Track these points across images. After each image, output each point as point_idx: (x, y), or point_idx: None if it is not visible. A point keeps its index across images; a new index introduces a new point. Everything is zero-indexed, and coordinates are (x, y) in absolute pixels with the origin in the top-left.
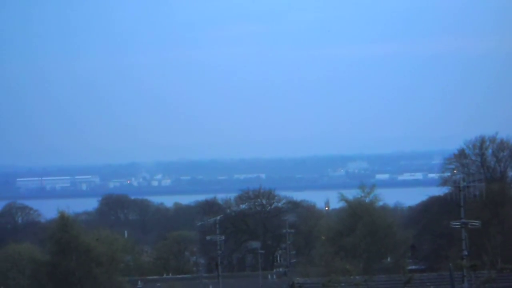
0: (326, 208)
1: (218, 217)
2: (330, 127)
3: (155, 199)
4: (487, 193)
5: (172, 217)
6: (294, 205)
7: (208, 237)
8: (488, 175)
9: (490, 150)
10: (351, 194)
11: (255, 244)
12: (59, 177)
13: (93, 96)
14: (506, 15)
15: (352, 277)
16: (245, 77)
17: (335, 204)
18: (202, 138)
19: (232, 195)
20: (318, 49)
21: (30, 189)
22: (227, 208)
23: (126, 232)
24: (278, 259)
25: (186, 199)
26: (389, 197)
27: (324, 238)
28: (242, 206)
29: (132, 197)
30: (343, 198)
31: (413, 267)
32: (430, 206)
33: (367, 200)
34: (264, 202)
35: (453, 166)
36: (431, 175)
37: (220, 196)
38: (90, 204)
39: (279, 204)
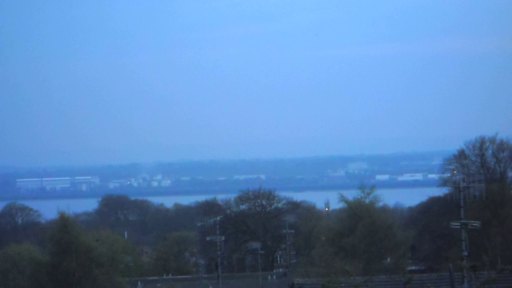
0: (326, 209)
1: (218, 218)
2: (330, 127)
3: (155, 200)
4: (487, 194)
5: (172, 218)
6: (294, 206)
7: (208, 238)
8: (488, 175)
9: (490, 151)
10: (351, 194)
11: (255, 244)
12: (59, 178)
13: (93, 97)
14: (506, 15)
15: (352, 277)
16: (245, 78)
17: (335, 204)
18: (202, 139)
19: (232, 196)
20: (318, 49)
21: (30, 190)
22: (227, 208)
23: (126, 232)
24: (278, 259)
25: (186, 200)
26: (389, 198)
27: (324, 238)
28: (242, 207)
29: (132, 198)
30: (343, 199)
31: (413, 267)
32: (430, 207)
33: (367, 200)
34: (264, 202)
35: (453, 167)
36: (431, 176)
37: (220, 197)
38: (90, 205)
39: (279, 205)
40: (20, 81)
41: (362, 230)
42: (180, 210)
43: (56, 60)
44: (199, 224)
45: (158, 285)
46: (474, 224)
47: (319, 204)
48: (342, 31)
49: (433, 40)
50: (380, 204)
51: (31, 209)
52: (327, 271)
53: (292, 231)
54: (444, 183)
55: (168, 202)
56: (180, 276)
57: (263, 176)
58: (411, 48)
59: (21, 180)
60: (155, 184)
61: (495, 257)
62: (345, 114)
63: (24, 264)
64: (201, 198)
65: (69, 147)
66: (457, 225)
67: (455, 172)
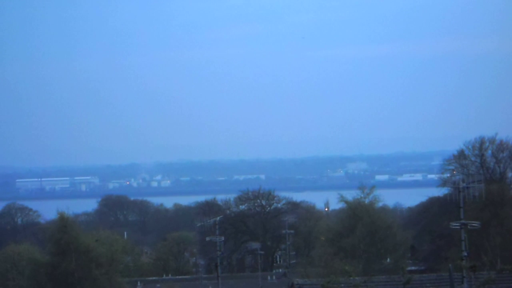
0: (326, 209)
1: (218, 218)
2: (329, 128)
3: (155, 200)
4: (487, 194)
5: (171, 218)
6: (294, 206)
7: (207, 238)
8: (487, 176)
9: (489, 151)
10: (351, 195)
11: (255, 245)
12: (59, 178)
13: (92, 97)
14: (506, 15)
15: (351, 278)
16: (244, 78)
17: (335, 205)
18: (202, 139)
19: (231, 196)
20: (317, 50)
21: (30, 190)
22: (226, 209)
23: (125, 233)
24: (278, 260)
25: (186, 200)
26: (389, 198)
27: (323, 239)
28: (242, 207)
29: (132, 198)
30: (342, 199)
31: (413, 268)
32: (430, 207)
33: (366, 201)
34: (263, 203)
35: (452, 167)
36: (430, 176)
37: (220, 197)
38: (90, 205)
39: (279, 205)
40: (20, 81)
41: (361, 230)
42: (180, 210)
43: (55, 60)
44: (198, 224)
45: (158, 285)
46: (473, 225)
47: (319, 204)
48: (342, 32)
49: (433, 41)
50: (380, 204)
51: (30, 210)
52: (326, 271)
53: (292, 231)
54: (443, 183)
55: (168, 202)
56: (179, 276)
57: (262, 176)
58: (411, 49)
59: (21, 180)
60: (154, 184)
61: (494, 257)
62: (344, 114)
63: (23, 264)
64: (201, 198)
65: (69, 147)
66: (457, 226)
67: (454, 172)
